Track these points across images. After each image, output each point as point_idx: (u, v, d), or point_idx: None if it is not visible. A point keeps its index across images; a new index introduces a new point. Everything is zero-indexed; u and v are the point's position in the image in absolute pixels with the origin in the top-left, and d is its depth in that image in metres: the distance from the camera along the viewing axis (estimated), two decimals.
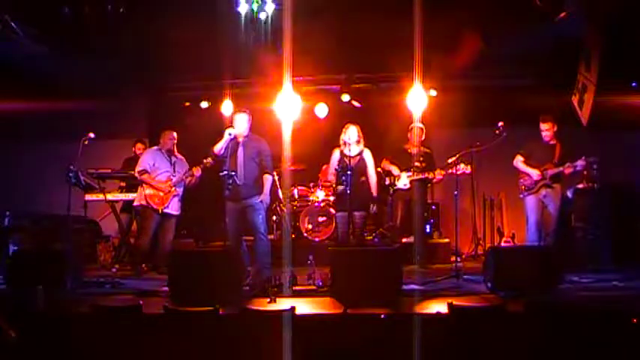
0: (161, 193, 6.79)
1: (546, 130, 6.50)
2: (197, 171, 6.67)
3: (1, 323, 3.36)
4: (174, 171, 6.92)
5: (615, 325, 3.84)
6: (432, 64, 7.28)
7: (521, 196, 6.64)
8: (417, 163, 6.96)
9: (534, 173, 6.48)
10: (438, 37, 6.67)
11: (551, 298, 4.92)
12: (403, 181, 6.98)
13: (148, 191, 6.78)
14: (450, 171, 6.60)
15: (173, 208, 6.90)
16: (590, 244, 6.86)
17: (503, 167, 6.78)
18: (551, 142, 6.55)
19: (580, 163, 6.28)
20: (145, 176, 6.79)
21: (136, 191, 7.05)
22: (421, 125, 7.12)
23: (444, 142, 8.00)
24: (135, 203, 6.99)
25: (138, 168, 6.87)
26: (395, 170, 7.04)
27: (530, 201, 6.56)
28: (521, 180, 6.61)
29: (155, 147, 7.10)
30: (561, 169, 6.37)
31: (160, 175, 6.86)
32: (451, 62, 7.44)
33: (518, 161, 6.64)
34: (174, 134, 7.05)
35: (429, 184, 7.43)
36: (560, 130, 6.64)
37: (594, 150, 6.46)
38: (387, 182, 7.12)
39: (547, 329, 3.84)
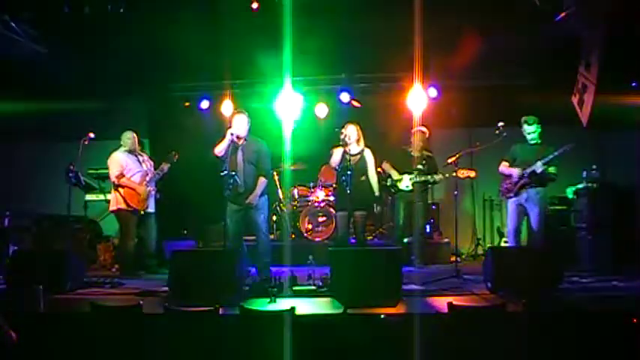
0: (140, 194, 6.76)
1: (532, 132, 6.29)
2: (165, 166, 6.83)
3: (1, 324, 3.34)
4: (145, 169, 6.92)
5: (615, 325, 3.84)
6: (432, 64, 7.29)
7: (502, 197, 6.52)
8: (419, 166, 6.98)
9: (515, 172, 6.24)
10: (438, 37, 6.67)
11: (551, 298, 4.92)
12: (405, 182, 7.00)
13: (127, 194, 6.72)
14: (454, 174, 6.55)
15: (152, 206, 6.92)
16: (590, 244, 6.85)
17: None
18: (535, 143, 6.34)
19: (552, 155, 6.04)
20: (123, 180, 6.73)
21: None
22: (424, 129, 7.12)
23: (444, 142, 8.02)
24: (112, 208, 6.86)
25: (114, 173, 6.74)
26: (395, 175, 7.06)
27: (510, 206, 6.37)
28: (502, 183, 6.44)
29: (120, 149, 6.92)
30: (533, 167, 6.07)
31: (134, 176, 6.82)
32: (451, 62, 7.44)
33: (503, 166, 6.44)
34: (134, 134, 6.98)
35: (430, 186, 7.43)
36: (559, 131, 6.62)
37: (594, 151, 6.43)
38: (389, 183, 7.13)
39: (547, 329, 3.84)
